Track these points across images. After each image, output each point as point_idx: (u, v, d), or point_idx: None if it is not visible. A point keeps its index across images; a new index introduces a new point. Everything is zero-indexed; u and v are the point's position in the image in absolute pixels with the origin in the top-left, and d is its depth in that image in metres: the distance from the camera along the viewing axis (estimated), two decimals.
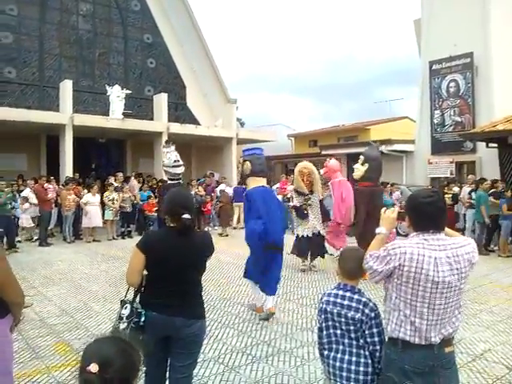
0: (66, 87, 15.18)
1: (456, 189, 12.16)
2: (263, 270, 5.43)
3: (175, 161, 7.49)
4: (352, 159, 18.85)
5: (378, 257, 2.18)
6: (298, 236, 8.38)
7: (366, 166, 8.03)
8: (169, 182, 7.87)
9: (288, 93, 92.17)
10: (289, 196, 14.07)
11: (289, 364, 4.18)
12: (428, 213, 2.16)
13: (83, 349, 1.39)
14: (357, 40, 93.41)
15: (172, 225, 2.80)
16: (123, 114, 15.75)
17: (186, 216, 2.72)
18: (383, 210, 2.57)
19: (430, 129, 15.92)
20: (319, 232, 8.28)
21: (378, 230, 2.45)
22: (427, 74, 15.99)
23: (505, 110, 13.15)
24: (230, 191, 14.47)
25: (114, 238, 12.37)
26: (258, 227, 5.26)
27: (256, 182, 5.61)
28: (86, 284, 7.32)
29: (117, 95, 15.67)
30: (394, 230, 8.45)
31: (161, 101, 17.30)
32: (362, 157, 8.16)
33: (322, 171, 9.64)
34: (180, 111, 20.04)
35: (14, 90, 16.68)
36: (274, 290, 5.51)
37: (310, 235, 8.21)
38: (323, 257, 8.48)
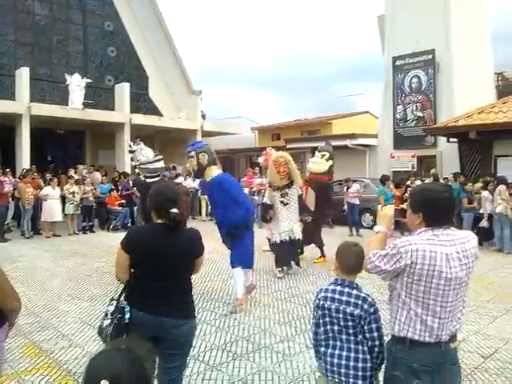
0: (23, 75, 14.48)
1: (418, 182, 12.48)
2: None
3: (156, 155, 7.08)
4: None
5: (386, 255, 2.12)
6: (275, 242, 7.35)
7: (331, 162, 8.66)
8: (147, 180, 7.07)
9: (250, 86, 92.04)
10: (254, 190, 14.08)
11: (271, 360, 4.12)
12: (444, 207, 2.13)
13: (87, 363, 1.25)
14: (317, 34, 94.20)
15: (159, 221, 2.68)
16: (83, 103, 15.17)
17: (175, 210, 2.61)
18: (379, 207, 2.53)
19: (393, 123, 16.25)
20: (296, 237, 7.34)
21: (376, 229, 2.39)
22: (390, 69, 16.28)
23: (465, 105, 13.60)
24: (191, 184, 14.04)
25: (75, 233, 11.95)
26: (244, 211, 5.51)
27: (216, 171, 5.75)
28: (49, 281, 7.01)
29: (77, 84, 15.09)
30: (392, 227, 8.52)
31: (123, 91, 16.81)
32: (326, 153, 8.62)
33: (260, 159, 9.56)
34: (142, 102, 19.54)
35: None
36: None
37: (286, 239, 7.25)
38: (302, 253, 8.19)
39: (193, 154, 5.80)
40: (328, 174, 8.76)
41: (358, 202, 12.20)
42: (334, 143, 17.29)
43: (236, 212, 5.42)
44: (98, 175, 14.06)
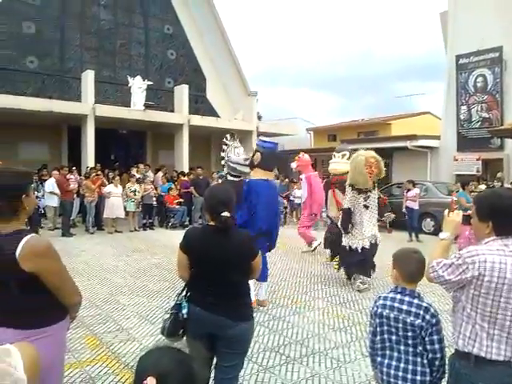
0: (88, 78, 15.18)
1: (482, 187, 11.86)
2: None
3: (245, 159, 6.59)
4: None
5: (451, 265, 2.00)
6: (349, 248, 6.81)
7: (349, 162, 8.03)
8: (229, 178, 6.71)
9: (305, 86, 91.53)
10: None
11: (325, 366, 4.05)
12: None
13: (137, 360, 1.27)
14: (377, 33, 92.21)
15: (211, 223, 2.71)
16: (144, 105, 15.70)
17: (225, 214, 2.62)
18: (446, 211, 2.40)
19: (456, 125, 15.58)
20: (378, 241, 6.91)
21: (441, 235, 2.26)
22: (454, 68, 15.62)
23: None
24: None
25: (135, 230, 12.38)
26: (254, 230, 5.24)
27: (259, 174, 5.76)
28: (110, 276, 7.28)
29: (138, 86, 15.63)
30: (467, 233, 8.18)
31: (182, 93, 17.22)
32: (346, 152, 8.19)
33: (293, 165, 9.86)
34: (200, 103, 19.93)
35: (35, 80, 16.74)
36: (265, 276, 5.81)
37: (367, 246, 6.72)
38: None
39: (256, 148, 5.99)
40: (346, 173, 8.40)
41: (417, 207, 11.76)
42: (393, 144, 16.94)
43: (250, 224, 5.34)
44: (159, 175, 14.54)
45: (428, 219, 12.32)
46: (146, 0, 19.09)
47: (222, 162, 7.12)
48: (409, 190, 11.96)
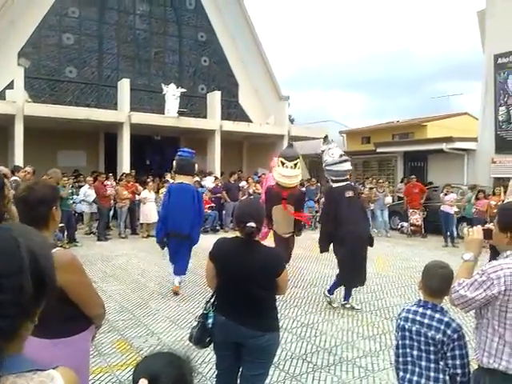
0: (124, 86, 15.59)
1: None
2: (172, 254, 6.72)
3: (341, 155, 6.33)
4: (408, 157, 18.30)
5: (473, 283, 1.96)
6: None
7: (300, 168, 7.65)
8: (333, 185, 6.25)
9: (340, 88, 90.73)
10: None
11: (352, 375, 4.01)
12: None
13: (135, 365, 1.38)
14: (413, 33, 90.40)
15: (239, 234, 2.76)
16: (178, 112, 15.98)
17: (251, 224, 2.64)
18: (465, 229, 2.33)
19: (494, 126, 15.06)
20: None
21: (465, 257, 2.18)
22: (492, 68, 15.12)
23: None
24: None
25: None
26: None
27: (178, 179, 6.78)
28: (143, 280, 7.45)
29: (172, 94, 15.93)
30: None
31: (214, 99, 17.42)
32: (297, 160, 7.32)
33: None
34: (232, 109, 20.10)
35: (74, 88, 17.33)
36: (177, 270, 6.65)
37: None
38: None
39: (173, 158, 6.97)
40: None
41: (452, 212, 11.45)
42: (429, 147, 16.59)
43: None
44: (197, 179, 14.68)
45: (464, 223, 11.96)
46: (179, 9, 19.45)
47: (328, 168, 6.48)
48: (446, 193, 11.67)
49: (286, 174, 7.06)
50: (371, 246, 6.01)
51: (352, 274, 5.89)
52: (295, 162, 7.15)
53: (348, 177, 6.42)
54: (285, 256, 6.48)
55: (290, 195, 7.05)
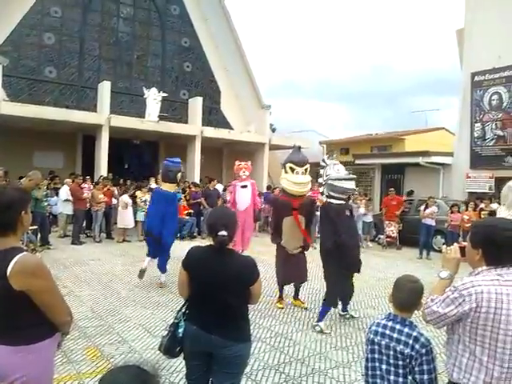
0: (105, 88, 15.43)
1: (494, 205, 11.70)
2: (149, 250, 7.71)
3: (348, 173, 5.90)
4: (386, 170, 18.56)
5: (445, 300, 1.98)
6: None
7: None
8: (333, 202, 5.71)
9: (322, 99, 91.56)
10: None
11: None
12: (507, 247, 1.97)
13: (98, 380, 1.37)
14: (394, 48, 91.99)
15: (212, 243, 2.74)
16: (159, 116, 15.88)
17: (222, 233, 2.63)
18: (444, 247, 2.36)
19: (470, 142, 15.45)
20: None
21: (442, 275, 2.21)
22: (469, 85, 15.53)
23: None
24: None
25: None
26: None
27: (164, 186, 7.54)
28: (116, 286, 7.33)
29: (153, 98, 15.82)
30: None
31: (196, 105, 17.40)
32: (307, 165, 6.64)
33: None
34: (213, 115, 20.10)
35: (53, 89, 17.08)
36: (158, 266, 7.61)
37: None
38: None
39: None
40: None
41: (433, 224, 11.62)
42: (406, 160, 16.86)
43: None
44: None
45: (439, 236, 12.18)
46: (164, 14, 19.42)
47: (320, 180, 6.16)
48: (426, 206, 11.81)
49: (297, 180, 6.28)
50: (358, 272, 5.87)
51: (343, 293, 5.88)
52: (306, 167, 6.46)
53: (346, 197, 5.94)
54: (298, 275, 6.42)
55: (301, 205, 6.34)
